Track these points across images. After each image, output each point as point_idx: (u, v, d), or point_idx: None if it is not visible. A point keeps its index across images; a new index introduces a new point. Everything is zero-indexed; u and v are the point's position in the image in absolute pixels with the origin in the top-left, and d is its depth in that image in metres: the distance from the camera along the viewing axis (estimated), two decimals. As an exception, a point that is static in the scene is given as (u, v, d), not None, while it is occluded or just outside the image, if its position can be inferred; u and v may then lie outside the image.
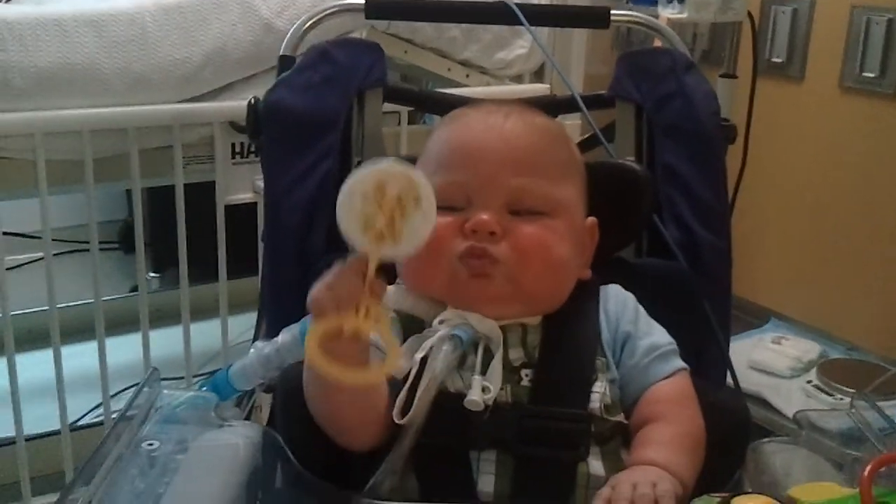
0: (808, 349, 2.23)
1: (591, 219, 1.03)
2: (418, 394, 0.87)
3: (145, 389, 0.96)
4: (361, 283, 0.82)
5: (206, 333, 2.00)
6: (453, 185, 0.95)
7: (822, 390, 2.08)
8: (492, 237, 0.92)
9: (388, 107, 1.40)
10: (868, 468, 0.82)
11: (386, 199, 0.82)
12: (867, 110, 2.25)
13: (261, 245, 1.24)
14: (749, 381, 2.09)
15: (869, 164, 2.26)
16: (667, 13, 1.98)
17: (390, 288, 0.99)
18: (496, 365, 0.90)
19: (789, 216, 2.49)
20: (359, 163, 1.24)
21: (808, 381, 2.12)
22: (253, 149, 1.81)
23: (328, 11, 1.32)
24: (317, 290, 0.82)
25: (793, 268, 2.50)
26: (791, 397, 2.06)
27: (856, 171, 2.29)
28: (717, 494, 0.79)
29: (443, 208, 0.95)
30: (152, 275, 2.70)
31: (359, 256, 0.83)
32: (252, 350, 1.06)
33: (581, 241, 1.01)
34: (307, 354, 0.81)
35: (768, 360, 2.18)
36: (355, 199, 0.82)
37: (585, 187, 1.03)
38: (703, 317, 1.13)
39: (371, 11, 1.33)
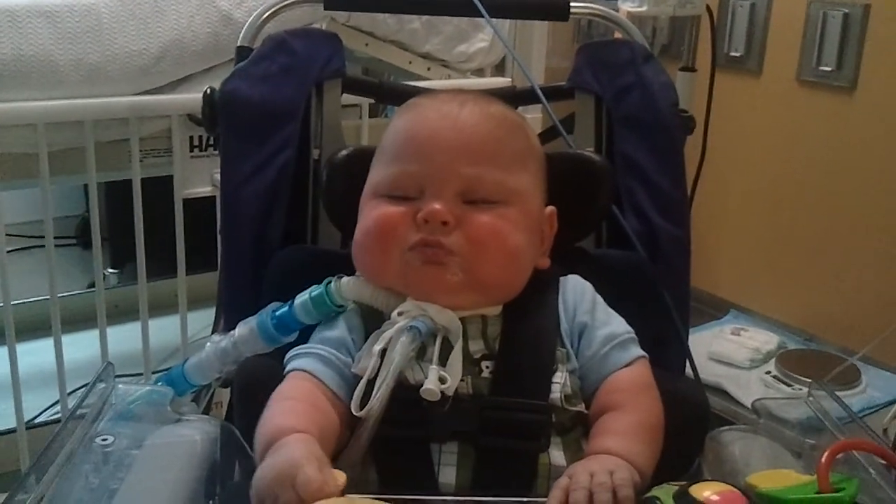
0: (766, 340, 2.25)
1: (550, 208, 1.03)
2: (376, 386, 0.86)
3: (100, 384, 0.94)
4: None
5: (165, 329, 1.98)
6: (406, 174, 0.95)
7: (780, 381, 2.10)
8: (444, 227, 0.91)
9: (348, 99, 1.39)
10: (826, 454, 0.82)
11: None
12: (824, 103, 2.27)
13: (220, 240, 1.23)
14: (708, 371, 2.11)
15: (827, 157, 2.29)
16: (627, 6, 1.99)
17: (349, 279, 0.99)
18: (455, 356, 0.90)
19: (748, 209, 2.52)
20: (318, 156, 1.23)
21: (767, 372, 2.15)
22: (212, 142, 1.79)
23: (287, 2, 1.31)
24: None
25: (752, 260, 2.53)
26: (750, 388, 2.08)
27: (814, 164, 2.32)
28: (675, 483, 0.80)
29: (395, 198, 0.95)
30: (111, 270, 2.67)
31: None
32: (208, 344, 1.05)
33: (538, 230, 1.01)
34: None
35: (727, 351, 2.20)
36: None
37: (544, 176, 1.03)
38: (662, 306, 1.13)
39: (330, 2, 1.32)
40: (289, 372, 0.93)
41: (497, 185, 0.95)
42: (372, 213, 0.96)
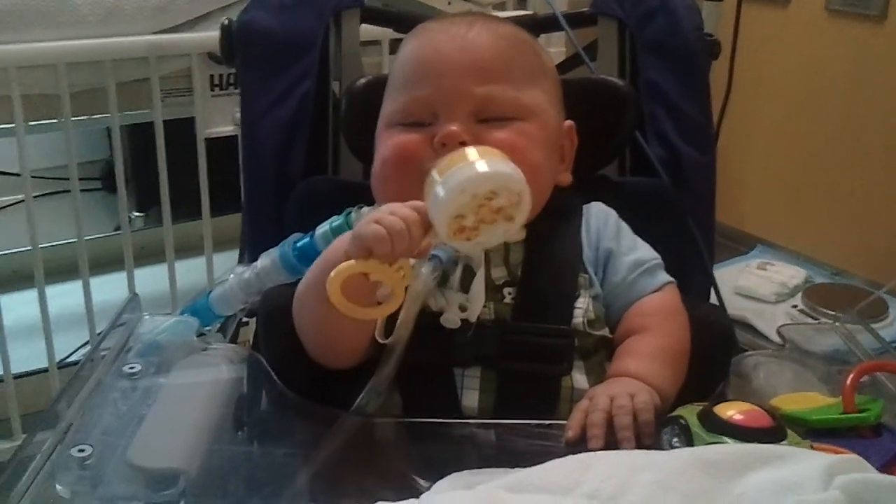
0: (793, 274, 2.23)
1: (569, 122, 1.02)
2: (400, 315, 0.86)
3: (125, 316, 0.95)
4: (418, 243, 0.81)
5: (191, 271, 1.99)
6: (417, 100, 0.94)
7: (807, 314, 2.09)
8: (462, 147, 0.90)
9: (370, 35, 1.37)
10: (851, 375, 0.82)
11: (487, 206, 0.80)
12: (854, 33, 2.22)
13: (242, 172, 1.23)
14: (734, 306, 2.10)
15: (855, 88, 2.24)
16: (651, -66, 1.94)
17: (369, 209, 0.99)
18: (478, 283, 0.90)
19: (775, 142, 2.48)
20: (338, 87, 1.22)
21: (794, 306, 2.13)
22: (232, 80, 1.78)
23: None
24: (376, 231, 0.79)
25: (778, 194, 2.50)
26: (776, 322, 2.06)
27: (842, 95, 2.28)
28: (700, 403, 0.80)
29: (409, 125, 0.94)
30: (136, 213, 2.68)
31: (422, 210, 0.82)
32: (232, 275, 1.05)
33: (557, 146, 1.00)
34: (328, 285, 0.79)
35: (753, 286, 2.19)
36: (464, 196, 0.79)
37: (559, 93, 1.02)
38: (686, 233, 1.12)
39: (348, -66, 1.29)
40: None
41: (510, 101, 0.94)
42: (388, 142, 0.95)
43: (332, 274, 0.79)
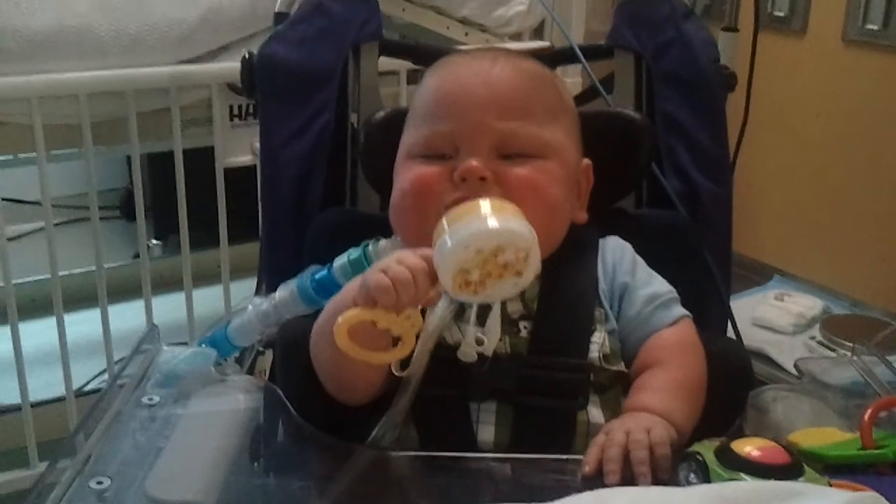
0: (811, 305, 2.22)
1: (586, 161, 1.02)
2: (416, 349, 0.86)
3: (144, 346, 0.96)
4: (424, 294, 0.81)
5: (209, 299, 2.00)
6: (440, 134, 0.94)
7: (824, 346, 2.07)
8: (482, 183, 0.90)
9: (387, 66, 1.39)
10: (869, 410, 0.82)
11: (493, 261, 0.80)
12: (871, 63, 2.22)
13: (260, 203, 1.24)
14: (752, 337, 2.08)
15: (873, 118, 2.24)
16: (667, -34, 1.95)
17: (387, 241, 0.99)
18: (494, 317, 0.90)
19: (792, 172, 2.48)
20: (357, 119, 1.23)
21: (812, 337, 2.12)
22: (252, 110, 1.80)
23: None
24: (380, 280, 0.80)
25: (796, 224, 2.49)
26: (794, 353, 2.05)
27: (860, 125, 2.27)
28: (717, 439, 0.79)
29: (430, 157, 0.94)
30: (154, 242, 2.70)
31: (430, 259, 0.82)
32: (250, 307, 1.06)
33: (575, 183, 1.00)
34: (335, 330, 0.80)
35: (771, 317, 2.17)
36: (468, 252, 0.80)
37: (578, 130, 1.02)
38: (703, 266, 1.12)
39: (366, -34, 1.31)
40: None
41: (531, 138, 0.94)
42: (407, 174, 0.96)
43: (339, 320, 0.79)
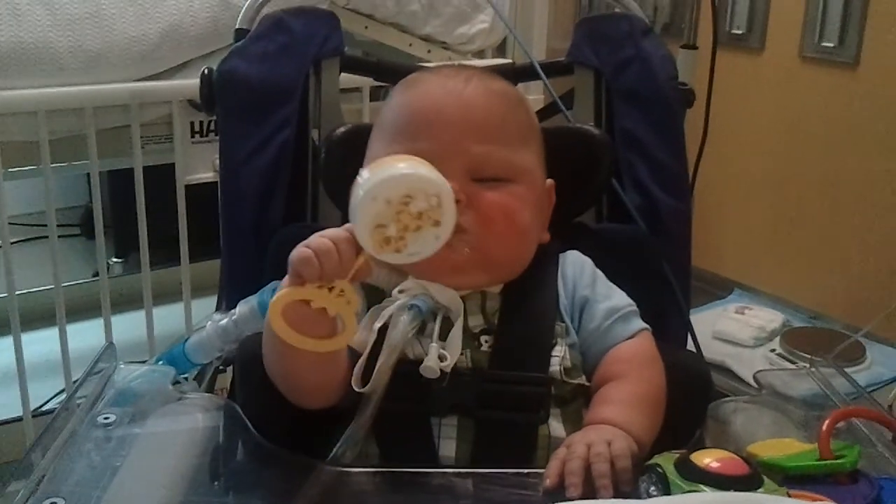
0: (771, 318, 2.24)
1: (549, 181, 1.03)
2: (378, 364, 0.86)
3: (100, 364, 0.94)
4: (349, 262, 0.80)
5: (169, 317, 1.98)
6: (414, 152, 0.92)
7: (785, 358, 2.09)
8: (456, 206, 0.91)
9: (350, 83, 1.38)
10: (827, 421, 0.83)
11: (406, 211, 0.79)
12: (827, 79, 2.26)
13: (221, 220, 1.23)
14: (713, 350, 2.10)
15: (830, 134, 2.28)
16: (627, -16, 1.97)
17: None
18: (455, 333, 0.90)
19: (751, 187, 2.51)
20: (318, 136, 1.23)
21: (772, 350, 2.14)
22: (213, 127, 1.79)
23: (285, -17, 1.31)
24: (301, 253, 0.80)
25: (756, 238, 2.52)
26: (754, 366, 2.06)
27: (817, 141, 2.31)
28: (677, 451, 0.79)
29: None
30: (115, 259, 2.67)
31: (351, 231, 0.81)
32: (209, 323, 1.05)
33: (541, 205, 1.01)
34: (270, 316, 0.79)
35: (732, 330, 2.19)
36: (377, 203, 0.78)
37: (543, 150, 1.03)
38: (663, 280, 1.13)
39: (328, -18, 1.32)
40: None
41: (504, 162, 0.95)
42: None
43: (271, 302, 0.79)
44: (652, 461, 0.79)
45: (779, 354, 2.12)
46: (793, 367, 2.00)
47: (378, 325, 0.89)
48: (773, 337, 2.19)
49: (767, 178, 2.46)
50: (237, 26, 1.31)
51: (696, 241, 1.25)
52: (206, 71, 1.21)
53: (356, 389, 0.86)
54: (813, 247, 2.35)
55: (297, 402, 0.90)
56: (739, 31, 2.41)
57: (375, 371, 0.85)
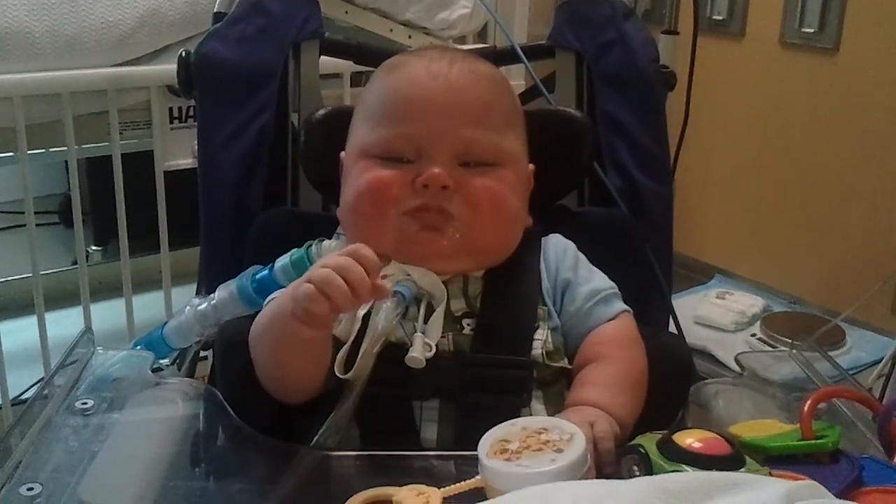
0: (751, 303, 2.26)
1: (531, 166, 1.02)
2: (361, 350, 0.85)
3: (78, 350, 0.93)
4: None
5: (149, 305, 1.97)
6: (402, 135, 0.93)
7: (765, 342, 2.11)
8: (444, 191, 0.90)
9: (330, 68, 1.37)
10: (808, 401, 0.83)
11: (535, 436, 0.76)
12: (808, 65, 2.27)
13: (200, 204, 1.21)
14: (694, 335, 2.11)
15: (810, 119, 2.29)
16: (608, -31, 1.97)
17: (330, 242, 0.98)
18: (437, 318, 0.89)
19: (732, 173, 2.52)
20: (297, 119, 1.22)
21: (752, 335, 2.15)
22: (192, 113, 1.77)
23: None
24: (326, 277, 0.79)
25: (736, 224, 2.53)
26: (735, 350, 2.06)
27: (798, 127, 2.32)
28: (659, 432, 0.79)
29: (388, 160, 0.93)
30: (94, 247, 2.64)
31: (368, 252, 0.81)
32: (188, 307, 1.04)
33: (526, 189, 1.00)
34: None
35: (713, 315, 2.21)
36: (513, 428, 0.77)
37: (525, 134, 1.02)
38: (645, 263, 1.13)
39: (307, -33, 1.29)
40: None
41: (491, 146, 0.94)
42: (365, 174, 0.93)
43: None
44: (634, 442, 0.78)
45: (759, 339, 2.13)
46: (774, 350, 2.01)
47: (362, 312, 0.89)
48: (754, 321, 2.21)
49: (747, 163, 2.46)
50: (215, 10, 1.29)
51: (677, 227, 1.25)
52: (183, 53, 1.19)
53: (339, 376, 0.85)
54: (793, 232, 2.36)
55: (282, 398, 0.89)
56: (720, 17, 2.42)
57: (359, 357, 0.85)
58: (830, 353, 1.97)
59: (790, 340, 2.01)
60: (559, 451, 0.75)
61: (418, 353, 0.86)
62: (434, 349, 0.87)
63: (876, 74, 2.14)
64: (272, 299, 0.93)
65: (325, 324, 0.82)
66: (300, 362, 0.86)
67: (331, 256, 0.82)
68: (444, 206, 0.90)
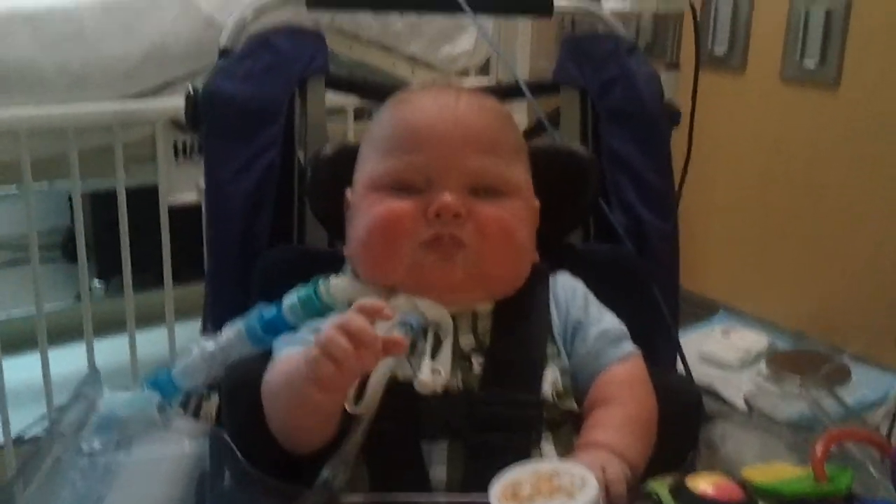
0: (756, 340, 2.24)
1: (536, 202, 1.02)
2: (370, 383, 0.85)
3: (84, 391, 0.93)
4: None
5: (153, 342, 1.96)
6: (412, 165, 0.93)
7: (771, 381, 2.09)
8: (456, 220, 0.90)
9: (335, 103, 1.37)
10: (820, 444, 0.82)
11: (548, 481, 0.76)
12: (809, 100, 2.27)
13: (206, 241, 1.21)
14: (699, 372, 2.07)
15: (812, 154, 2.29)
16: (610, 5, 1.98)
17: (338, 279, 0.97)
18: (445, 351, 0.89)
19: (735, 208, 2.52)
20: (304, 156, 1.22)
21: (758, 373, 2.14)
22: (197, 147, 1.78)
23: (270, 3, 1.30)
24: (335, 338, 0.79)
25: (740, 260, 2.52)
26: (741, 389, 2.06)
27: (799, 161, 2.32)
28: (669, 475, 0.79)
29: (398, 191, 0.93)
30: (97, 283, 2.64)
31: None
32: (195, 348, 1.03)
33: (534, 224, 1.00)
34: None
35: (718, 352, 2.19)
36: (524, 471, 0.77)
37: (530, 172, 1.02)
38: (651, 301, 1.12)
39: (312, 1, 1.30)
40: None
41: (500, 176, 0.94)
42: (375, 207, 0.93)
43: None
44: (647, 487, 0.78)
45: (765, 378, 2.11)
46: (781, 388, 2.00)
47: None
48: (759, 359, 2.19)
49: (751, 198, 2.46)
50: (221, 46, 1.29)
51: (681, 263, 1.25)
52: (190, 90, 1.20)
53: (349, 411, 0.84)
54: (797, 268, 2.36)
55: (289, 449, 0.88)
56: (721, 52, 2.42)
57: (367, 390, 0.84)
58: (836, 390, 1.96)
59: (797, 377, 2.00)
60: (571, 495, 0.74)
61: (426, 378, 0.85)
62: (444, 375, 0.86)
63: (877, 108, 2.14)
64: (281, 341, 0.93)
65: (338, 387, 0.81)
66: (312, 420, 0.86)
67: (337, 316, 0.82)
68: (456, 233, 0.90)
